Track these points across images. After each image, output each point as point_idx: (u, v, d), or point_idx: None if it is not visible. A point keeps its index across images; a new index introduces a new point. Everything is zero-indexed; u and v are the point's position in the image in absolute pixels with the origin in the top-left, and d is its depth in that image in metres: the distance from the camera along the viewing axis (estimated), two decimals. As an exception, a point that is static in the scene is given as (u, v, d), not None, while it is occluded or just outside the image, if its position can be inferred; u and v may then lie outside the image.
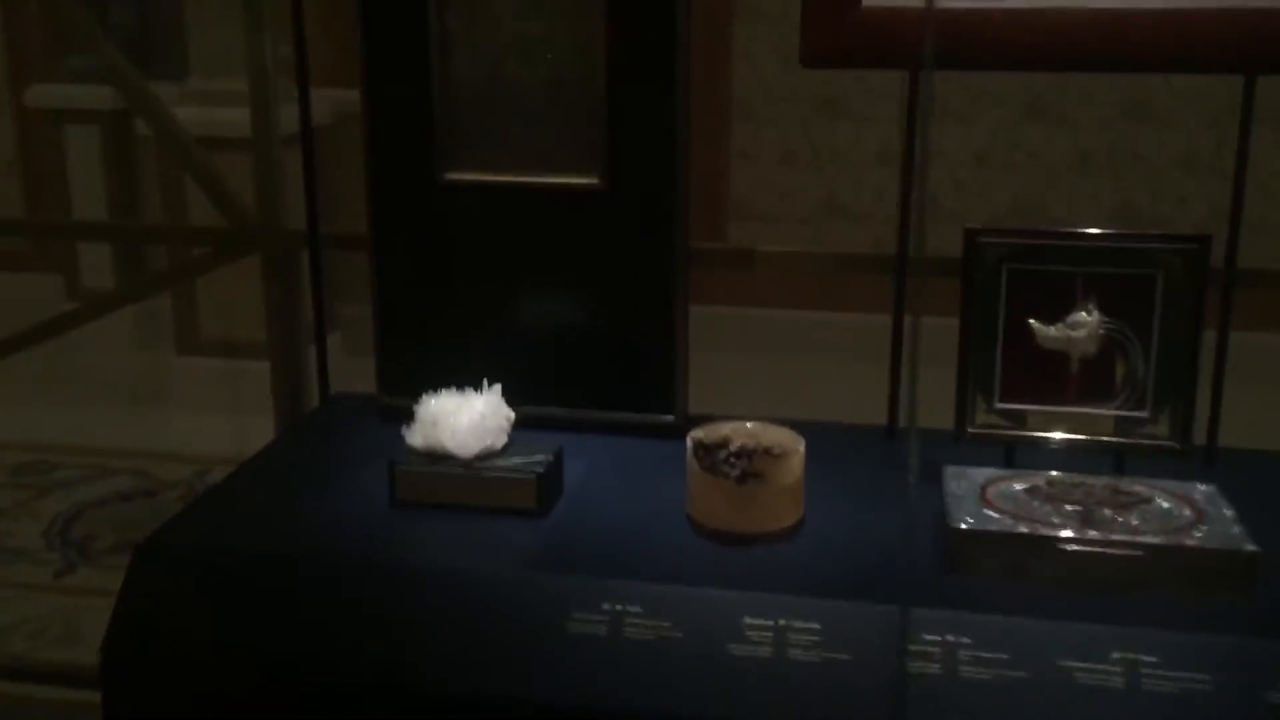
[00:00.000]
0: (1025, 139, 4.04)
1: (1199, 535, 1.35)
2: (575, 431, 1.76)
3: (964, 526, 1.37)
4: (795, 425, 1.75)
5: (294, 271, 2.22)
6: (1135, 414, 1.54)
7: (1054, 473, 1.49)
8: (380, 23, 1.71)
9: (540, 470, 1.52)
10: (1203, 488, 1.45)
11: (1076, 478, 1.48)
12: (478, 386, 1.66)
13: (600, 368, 1.77)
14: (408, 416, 1.69)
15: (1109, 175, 4.62)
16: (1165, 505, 1.42)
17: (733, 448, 1.43)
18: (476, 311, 1.78)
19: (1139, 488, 1.46)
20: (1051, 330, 1.54)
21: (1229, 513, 1.39)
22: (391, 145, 1.74)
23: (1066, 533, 1.36)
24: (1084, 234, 1.52)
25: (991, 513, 1.40)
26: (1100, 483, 1.47)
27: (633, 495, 1.59)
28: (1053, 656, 1.26)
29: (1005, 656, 1.27)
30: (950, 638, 1.28)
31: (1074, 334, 1.54)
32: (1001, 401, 1.57)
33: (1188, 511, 1.40)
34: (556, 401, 1.77)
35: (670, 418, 1.77)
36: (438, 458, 1.53)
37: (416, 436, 1.55)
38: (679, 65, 1.65)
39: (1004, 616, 1.30)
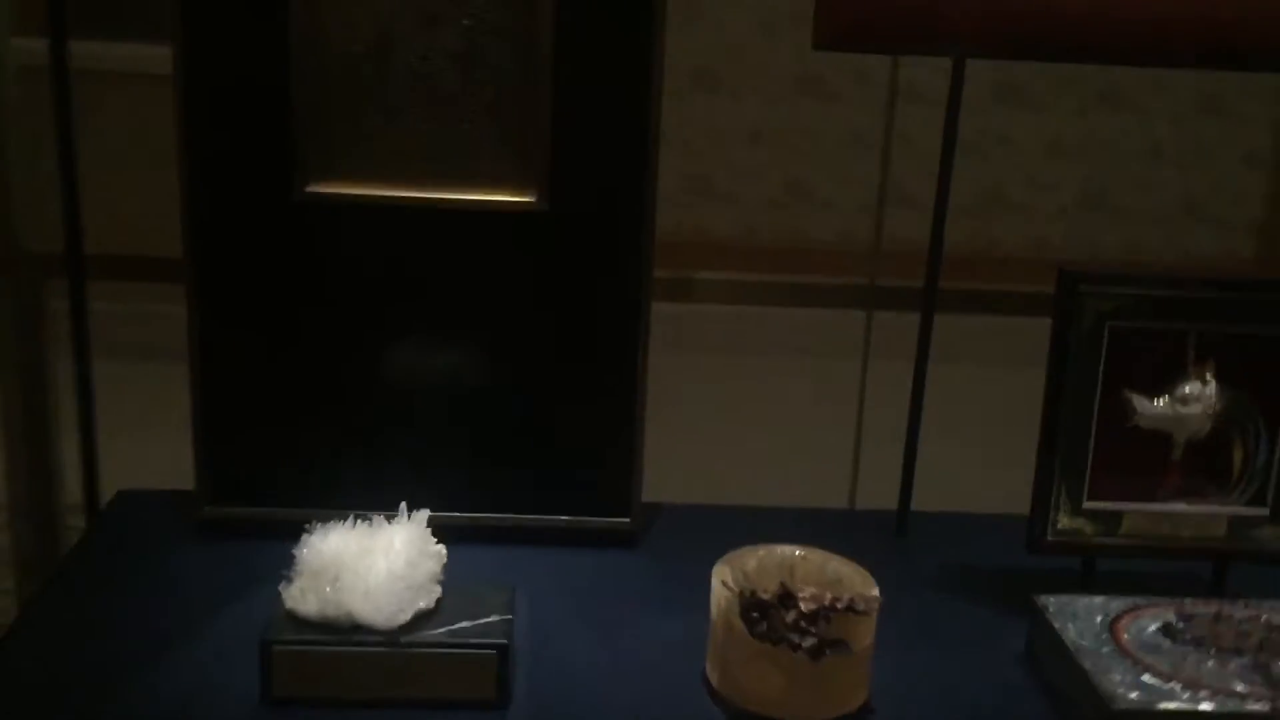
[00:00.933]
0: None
1: None
2: (492, 544, 1.26)
3: (1131, 707, 0.99)
4: (770, 514, 1.37)
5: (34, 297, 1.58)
6: (1252, 512, 1.21)
7: (1185, 603, 1.13)
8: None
9: (501, 640, 1.02)
10: (1360, 613, 1.13)
11: (1211, 606, 1.13)
12: (352, 492, 1.16)
13: (527, 456, 1.28)
14: (246, 537, 1.16)
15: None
16: (1338, 645, 1.08)
17: (803, 605, 0.98)
18: (349, 382, 1.24)
19: (1290, 618, 1.12)
20: (1157, 406, 1.18)
21: None
22: (223, 141, 1.17)
23: (1259, 706, 1.00)
24: (1213, 282, 1.16)
25: (1152, 679, 1.02)
26: (1241, 613, 1.13)
27: (615, 652, 1.12)
28: None
29: None
30: None
31: (1185, 410, 1.18)
32: (1090, 500, 1.20)
33: (1366, 652, 1.08)
34: (466, 504, 1.27)
35: (626, 520, 1.30)
36: (342, 631, 1.01)
37: (307, 600, 1.01)
38: (656, 32, 1.17)
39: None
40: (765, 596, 0.99)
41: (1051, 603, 1.13)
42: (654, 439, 1.29)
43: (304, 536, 1.05)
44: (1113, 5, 1.22)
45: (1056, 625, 1.09)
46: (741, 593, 1.01)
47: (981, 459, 1.34)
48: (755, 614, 0.99)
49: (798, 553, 1.10)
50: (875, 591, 1.04)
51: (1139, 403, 1.18)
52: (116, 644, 1.09)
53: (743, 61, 2.09)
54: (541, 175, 1.18)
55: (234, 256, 1.20)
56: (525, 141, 1.18)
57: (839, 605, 0.99)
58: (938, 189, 1.26)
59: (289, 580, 1.04)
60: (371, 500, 1.22)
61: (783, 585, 1.01)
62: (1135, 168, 2.45)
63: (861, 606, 1.00)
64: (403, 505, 1.07)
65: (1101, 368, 1.16)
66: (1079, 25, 1.24)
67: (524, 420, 1.26)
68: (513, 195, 1.19)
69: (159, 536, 1.28)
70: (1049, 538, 1.20)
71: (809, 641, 0.98)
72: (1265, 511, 1.20)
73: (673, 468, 1.40)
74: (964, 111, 1.26)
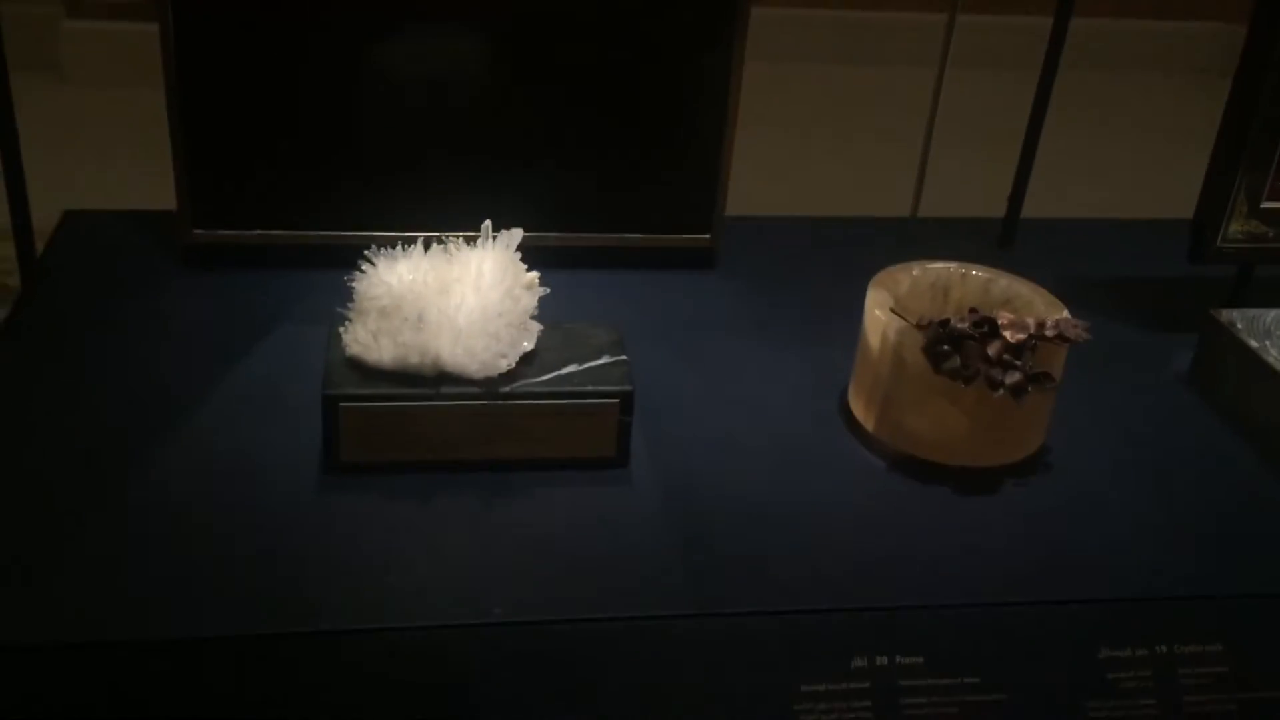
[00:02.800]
0: None
1: None
2: (553, 268, 1.04)
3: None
4: (853, 225, 1.23)
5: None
6: None
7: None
8: None
9: (623, 387, 0.82)
10: None
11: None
12: (376, 211, 0.92)
13: (590, 163, 1.04)
14: (245, 266, 0.94)
15: None
16: None
17: (1009, 335, 0.80)
18: (370, 77, 0.98)
19: None
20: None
21: None
22: None
23: None
24: None
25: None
26: None
27: (729, 393, 0.93)
28: None
29: None
30: None
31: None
32: (1269, 199, 1.02)
33: None
34: (518, 221, 1.03)
35: (705, 236, 1.09)
36: (426, 382, 0.79)
37: (380, 345, 0.79)
38: None
39: None
40: (962, 325, 0.80)
41: (1238, 318, 0.97)
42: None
43: (363, 267, 0.81)
44: None
45: (1254, 345, 0.93)
46: (923, 322, 0.82)
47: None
48: (946, 346, 0.80)
49: (980, 273, 0.90)
50: (1066, 312, 0.87)
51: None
52: (113, 405, 0.86)
53: None
54: None
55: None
56: None
57: (1048, 333, 0.81)
58: None
59: (346, 320, 0.81)
60: (401, 221, 1.00)
61: (975, 311, 0.83)
62: None
63: (1072, 333, 0.81)
64: (486, 224, 0.84)
65: (1309, 34, 0.95)
66: None
67: (586, 120, 1.02)
68: None
69: (135, 268, 1.03)
70: (1221, 244, 1.02)
71: (1013, 377, 0.80)
72: None
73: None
74: None
